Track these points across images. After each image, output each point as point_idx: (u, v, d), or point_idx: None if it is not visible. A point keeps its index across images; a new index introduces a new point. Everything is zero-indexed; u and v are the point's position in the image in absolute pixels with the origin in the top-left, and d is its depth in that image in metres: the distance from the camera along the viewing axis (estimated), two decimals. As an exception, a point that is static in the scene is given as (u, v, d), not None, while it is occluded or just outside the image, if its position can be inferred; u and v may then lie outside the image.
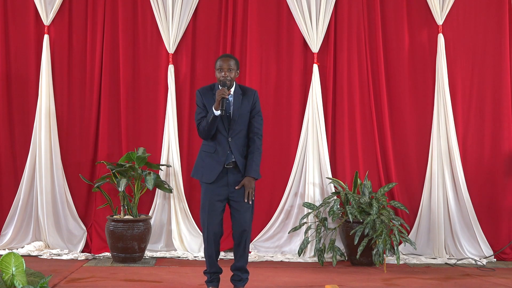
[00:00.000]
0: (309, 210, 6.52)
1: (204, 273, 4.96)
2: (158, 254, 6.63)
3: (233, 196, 4.80)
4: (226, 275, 4.96)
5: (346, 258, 6.54)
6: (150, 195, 6.75)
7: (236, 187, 4.77)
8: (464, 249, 6.74)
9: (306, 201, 6.69)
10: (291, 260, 6.57)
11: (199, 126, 4.82)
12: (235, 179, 4.80)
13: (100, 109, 6.84)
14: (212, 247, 4.83)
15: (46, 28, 6.82)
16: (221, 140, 4.80)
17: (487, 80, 6.95)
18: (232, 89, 4.86)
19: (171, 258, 6.56)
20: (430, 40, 6.96)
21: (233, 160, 4.78)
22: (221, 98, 4.66)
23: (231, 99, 4.84)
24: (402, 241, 6.25)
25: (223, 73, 4.79)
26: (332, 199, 6.57)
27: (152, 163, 6.64)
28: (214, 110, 4.70)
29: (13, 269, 4.36)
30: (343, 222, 6.46)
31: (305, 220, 6.51)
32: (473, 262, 6.59)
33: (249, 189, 4.77)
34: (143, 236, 6.32)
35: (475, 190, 6.85)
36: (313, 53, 6.88)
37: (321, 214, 6.54)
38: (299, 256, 6.53)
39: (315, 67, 6.85)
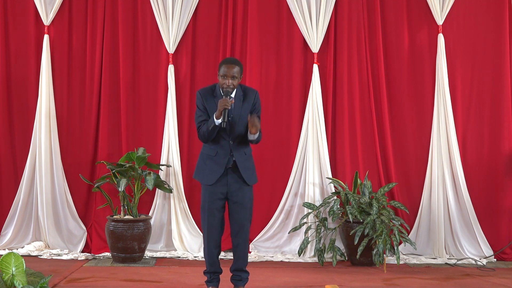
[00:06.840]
0: (309, 210, 6.52)
1: (204, 273, 4.96)
2: (158, 254, 6.63)
3: (232, 196, 4.80)
4: (226, 275, 4.96)
5: (346, 258, 6.54)
6: (150, 195, 6.75)
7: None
8: (464, 249, 6.74)
9: (306, 201, 6.69)
10: (291, 260, 6.57)
11: (199, 130, 4.79)
12: (235, 179, 4.80)
13: (100, 109, 6.84)
14: (212, 246, 4.83)
15: (46, 28, 6.82)
16: (222, 143, 4.78)
17: (487, 80, 6.95)
18: (234, 93, 4.82)
19: (171, 258, 6.56)
20: (430, 40, 6.96)
21: (234, 162, 4.78)
22: (224, 109, 4.63)
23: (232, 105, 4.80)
24: (402, 241, 6.25)
25: (226, 81, 4.73)
26: (332, 199, 6.57)
27: (152, 163, 6.64)
28: (215, 119, 4.66)
29: (13, 269, 4.37)
30: (343, 222, 6.46)
31: (305, 220, 6.50)
32: (473, 262, 6.59)
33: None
34: (143, 236, 6.32)
35: (475, 190, 6.85)
36: (313, 53, 6.87)
37: (321, 214, 6.54)
38: (299, 256, 6.53)
39: (315, 67, 6.85)
